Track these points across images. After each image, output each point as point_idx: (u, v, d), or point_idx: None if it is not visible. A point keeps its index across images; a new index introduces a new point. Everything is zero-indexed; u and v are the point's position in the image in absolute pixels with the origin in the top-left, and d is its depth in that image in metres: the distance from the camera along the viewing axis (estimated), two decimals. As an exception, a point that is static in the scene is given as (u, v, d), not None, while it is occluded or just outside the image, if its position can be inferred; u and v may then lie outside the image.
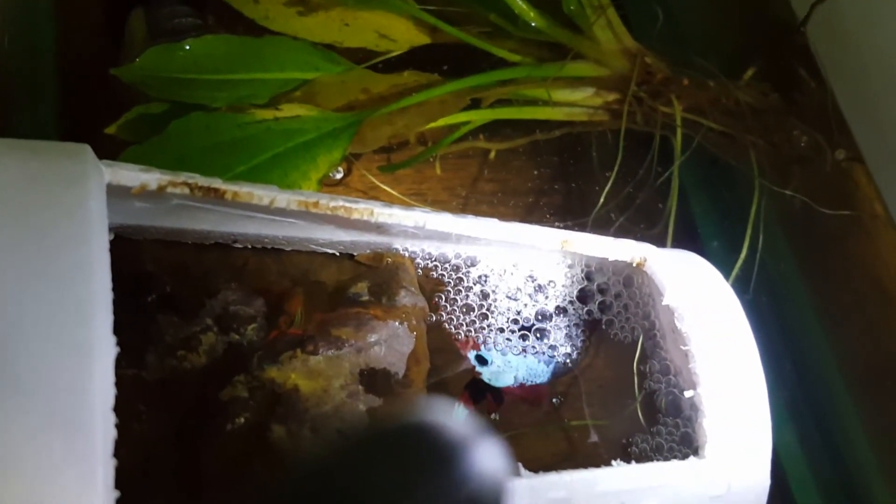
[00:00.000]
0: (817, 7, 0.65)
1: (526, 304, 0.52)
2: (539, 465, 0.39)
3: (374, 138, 0.61)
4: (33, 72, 0.61)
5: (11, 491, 0.27)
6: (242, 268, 0.48)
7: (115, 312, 0.31)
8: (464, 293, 0.51)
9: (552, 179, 0.68)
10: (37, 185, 0.33)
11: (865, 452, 0.62)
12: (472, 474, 0.24)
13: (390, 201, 0.50)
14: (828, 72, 0.64)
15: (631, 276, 0.51)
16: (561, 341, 0.52)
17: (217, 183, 0.41)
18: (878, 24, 0.60)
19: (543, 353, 0.52)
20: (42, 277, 0.30)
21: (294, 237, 0.47)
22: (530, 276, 0.52)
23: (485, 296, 0.51)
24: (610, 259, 0.48)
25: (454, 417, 0.25)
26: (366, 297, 0.47)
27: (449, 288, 0.51)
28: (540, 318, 0.52)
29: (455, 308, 0.51)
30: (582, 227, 0.63)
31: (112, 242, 0.41)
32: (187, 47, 0.57)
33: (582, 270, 0.52)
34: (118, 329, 0.31)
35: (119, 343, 0.31)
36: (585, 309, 0.52)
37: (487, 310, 0.51)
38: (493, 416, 0.51)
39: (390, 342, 0.46)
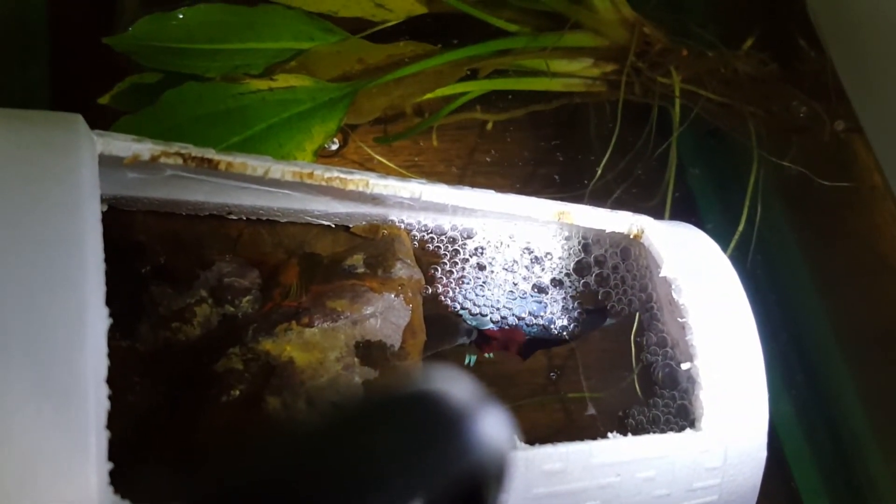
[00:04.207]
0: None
1: (523, 277, 0.51)
2: (535, 437, 0.39)
3: (370, 109, 0.60)
4: (25, 39, 0.60)
5: (3, 463, 0.27)
6: (237, 239, 0.47)
7: (109, 283, 0.31)
8: (460, 265, 0.51)
9: (549, 151, 0.68)
10: (28, 155, 0.33)
11: (862, 423, 0.62)
12: (473, 444, 0.24)
13: (386, 173, 0.50)
14: (827, 42, 0.64)
15: (628, 249, 0.51)
16: (558, 314, 0.52)
17: (210, 153, 0.40)
18: (879, -6, 0.60)
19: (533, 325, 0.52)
20: (33, 248, 0.30)
21: (289, 209, 0.47)
22: (527, 249, 0.51)
23: (481, 268, 0.51)
24: (607, 231, 0.48)
25: (455, 385, 0.25)
26: (361, 269, 0.47)
27: (445, 260, 0.51)
28: (536, 290, 0.51)
29: (451, 280, 0.51)
30: (579, 199, 0.62)
31: (105, 213, 0.41)
32: (181, 16, 0.56)
33: (579, 242, 0.52)
34: (111, 300, 0.31)
35: (112, 314, 0.31)
36: (582, 281, 0.52)
37: (484, 282, 0.51)
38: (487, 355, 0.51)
39: (386, 314, 0.45)
